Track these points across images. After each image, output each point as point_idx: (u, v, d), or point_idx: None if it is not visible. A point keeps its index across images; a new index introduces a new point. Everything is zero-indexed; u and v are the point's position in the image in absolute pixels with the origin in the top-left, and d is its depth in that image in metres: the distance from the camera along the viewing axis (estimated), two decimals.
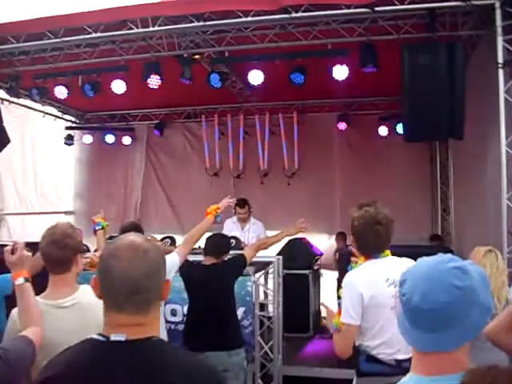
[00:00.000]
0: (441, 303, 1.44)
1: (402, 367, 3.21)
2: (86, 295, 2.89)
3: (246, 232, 8.05)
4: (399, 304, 1.57)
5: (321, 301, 8.68)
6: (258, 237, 8.04)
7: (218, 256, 4.94)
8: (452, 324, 1.45)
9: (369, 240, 3.33)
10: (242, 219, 8.15)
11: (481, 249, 4.30)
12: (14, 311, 2.87)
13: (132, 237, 1.82)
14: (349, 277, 3.32)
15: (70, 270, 3.02)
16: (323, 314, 8.50)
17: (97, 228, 4.89)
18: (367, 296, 3.18)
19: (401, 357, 3.22)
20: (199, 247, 6.27)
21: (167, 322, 6.43)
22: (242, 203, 8.13)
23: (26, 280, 2.70)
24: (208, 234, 5.03)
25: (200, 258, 5.15)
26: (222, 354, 4.62)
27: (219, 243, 5.01)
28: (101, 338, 1.71)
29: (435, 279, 1.48)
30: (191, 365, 1.76)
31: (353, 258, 3.53)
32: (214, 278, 4.81)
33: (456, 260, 1.54)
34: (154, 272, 1.74)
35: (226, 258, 5.09)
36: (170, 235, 8.20)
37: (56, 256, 2.94)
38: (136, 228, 4.34)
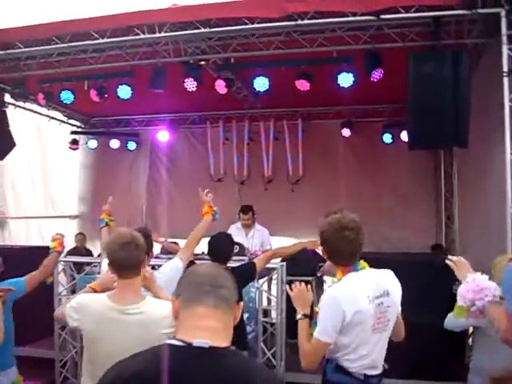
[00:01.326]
0: None
1: (368, 382, 3.20)
2: (151, 306, 2.99)
3: (250, 238, 8.06)
4: None
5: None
6: (261, 243, 8.05)
7: (224, 261, 4.94)
8: None
9: (339, 247, 3.21)
10: (246, 225, 8.16)
11: (504, 258, 4.30)
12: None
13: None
14: (331, 292, 3.19)
15: (139, 273, 3.08)
16: None
17: (101, 225, 4.86)
18: (350, 314, 3.07)
19: (370, 372, 3.20)
20: (202, 253, 6.29)
21: None
22: (246, 210, 8.15)
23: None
24: (210, 237, 5.03)
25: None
26: None
27: (223, 249, 4.99)
28: (180, 343, 1.73)
29: None
30: (268, 372, 1.85)
31: (325, 277, 3.41)
32: None
33: None
34: (232, 281, 1.94)
35: (235, 265, 5.08)
36: (174, 241, 8.18)
37: (128, 258, 3.01)
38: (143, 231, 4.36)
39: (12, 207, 10.97)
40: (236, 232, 8.09)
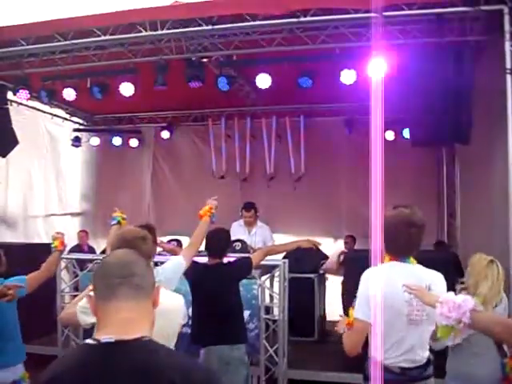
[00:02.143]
0: None
1: (406, 375, 3.20)
2: (167, 297, 3.00)
3: (253, 236, 8.06)
4: None
5: (326, 305, 8.70)
6: (264, 240, 8.04)
7: (220, 256, 4.99)
8: None
9: (400, 241, 3.25)
10: (248, 223, 8.16)
11: (483, 257, 4.32)
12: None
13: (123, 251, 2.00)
14: (367, 273, 3.26)
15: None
16: (328, 317, 8.53)
17: (112, 223, 4.88)
18: (379, 295, 3.09)
19: (407, 365, 3.19)
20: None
21: None
22: (248, 207, 8.14)
23: None
24: (210, 232, 5.06)
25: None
26: (224, 348, 4.73)
27: (219, 243, 5.02)
28: (92, 342, 1.73)
29: None
30: (187, 364, 1.78)
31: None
32: (218, 278, 4.87)
33: None
34: (145, 265, 1.87)
35: (231, 259, 5.13)
36: (177, 238, 8.21)
37: (146, 251, 3.10)
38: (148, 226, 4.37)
39: (16, 205, 10.96)
40: (238, 229, 8.09)
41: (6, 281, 4.23)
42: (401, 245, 3.27)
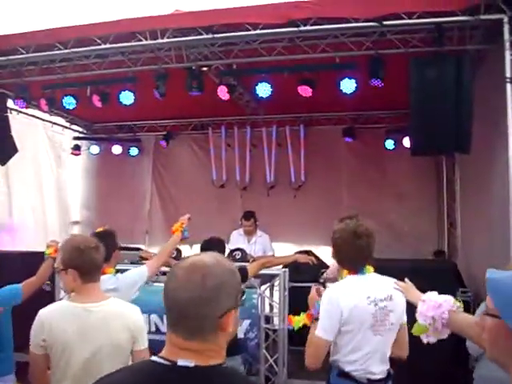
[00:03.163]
0: None
1: None
2: (113, 305, 3.11)
3: (252, 244, 8.05)
4: None
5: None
6: (264, 249, 8.03)
7: None
8: None
9: (350, 253, 3.30)
10: (247, 232, 8.14)
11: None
12: (41, 312, 3.06)
13: (201, 256, 1.75)
14: (330, 291, 3.29)
15: (101, 275, 3.27)
16: None
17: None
18: (346, 312, 3.15)
19: (374, 377, 3.22)
20: None
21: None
22: (248, 216, 8.14)
23: None
24: (204, 241, 5.07)
25: None
26: None
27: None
28: (165, 362, 1.63)
29: None
30: None
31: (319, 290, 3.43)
32: None
33: None
34: (207, 299, 1.63)
35: None
36: (176, 246, 8.15)
37: (96, 260, 3.16)
38: (110, 235, 4.37)
39: (16, 213, 10.95)
40: (238, 238, 8.08)
41: (0, 290, 4.25)
42: (352, 257, 3.32)
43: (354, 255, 3.29)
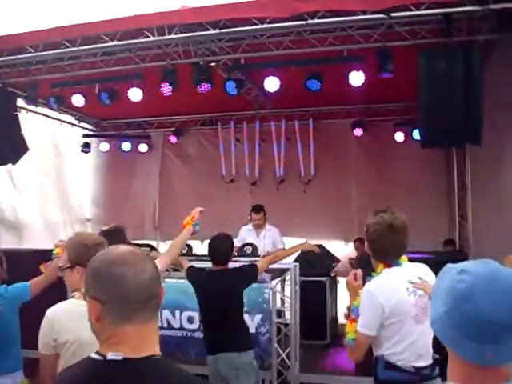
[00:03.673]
0: None
1: (420, 374, 3.23)
2: None
3: (262, 239, 8.04)
4: (458, 321, 1.43)
5: (338, 308, 8.66)
6: (273, 243, 8.03)
7: (224, 262, 4.98)
8: None
9: (386, 247, 3.29)
10: (257, 226, 8.13)
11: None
12: (49, 311, 3.02)
13: (123, 246, 1.80)
14: (369, 286, 3.28)
15: None
16: (340, 321, 8.49)
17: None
18: (388, 307, 3.16)
19: (420, 364, 3.22)
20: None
21: (184, 329, 6.45)
22: (257, 209, 8.14)
23: None
24: (212, 238, 5.07)
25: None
26: (233, 355, 4.75)
27: (222, 249, 5.00)
28: (98, 357, 1.64)
29: (508, 288, 1.41)
30: None
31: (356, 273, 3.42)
32: (222, 285, 4.85)
33: (499, 266, 1.49)
34: (158, 276, 1.74)
35: (237, 265, 5.12)
36: (186, 242, 8.15)
37: None
38: (118, 231, 4.39)
39: (26, 211, 11.00)
40: (247, 233, 8.09)
41: (9, 288, 4.29)
42: (388, 251, 3.31)
43: (391, 249, 3.29)
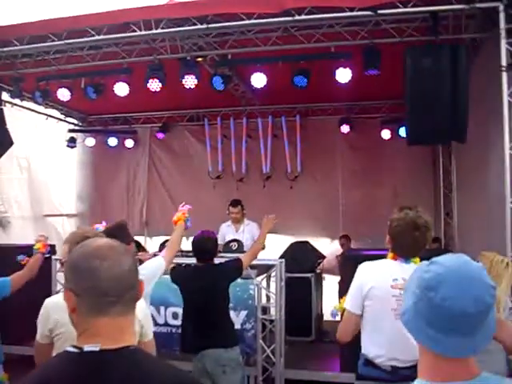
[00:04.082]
0: (487, 305, 1.41)
1: (398, 374, 3.21)
2: None
3: (241, 233, 8.04)
4: (424, 310, 1.46)
5: (323, 304, 8.68)
6: (252, 238, 8.03)
7: (209, 258, 5.00)
8: (482, 327, 1.42)
9: (406, 243, 3.31)
10: (235, 220, 8.13)
11: (500, 259, 4.29)
12: (47, 301, 3.07)
13: (103, 239, 1.80)
14: (361, 266, 3.37)
15: None
16: (325, 317, 8.51)
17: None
18: (367, 286, 3.22)
19: (398, 364, 3.21)
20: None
21: (169, 325, 6.44)
22: (234, 203, 8.16)
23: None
24: (197, 235, 5.07)
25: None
26: (220, 351, 4.74)
27: (206, 247, 4.99)
28: (74, 350, 1.62)
29: (477, 280, 1.43)
30: (176, 376, 1.68)
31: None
32: (206, 280, 4.85)
33: (470, 259, 1.50)
34: (136, 269, 1.73)
35: (221, 261, 5.12)
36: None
37: None
38: (121, 228, 4.37)
39: (11, 206, 10.93)
40: (226, 229, 8.09)
41: None
42: (406, 247, 3.32)
43: (409, 245, 3.30)
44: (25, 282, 4.49)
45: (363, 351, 3.30)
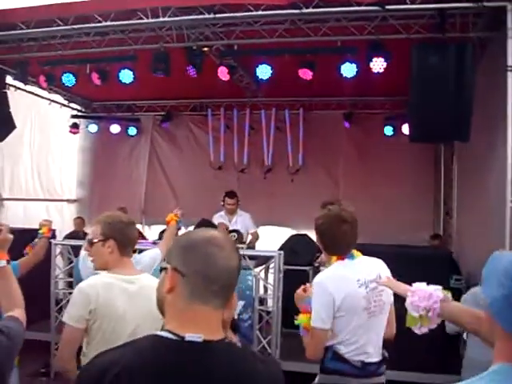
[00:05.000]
0: None
1: (366, 370, 3.21)
2: (148, 279, 3.19)
3: (234, 224, 8.07)
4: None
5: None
6: (245, 228, 8.07)
7: None
8: None
9: (335, 238, 3.27)
10: (230, 211, 8.16)
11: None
12: (85, 285, 3.05)
13: (214, 231, 1.83)
14: (318, 278, 3.24)
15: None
16: None
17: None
18: (338, 298, 3.11)
19: (368, 360, 3.21)
20: None
21: None
22: (231, 194, 8.19)
23: (8, 262, 2.71)
24: (197, 224, 5.13)
25: None
26: None
27: None
28: (173, 337, 1.59)
29: None
30: (272, 371, 1.71)
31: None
32: None
33: None
34: (240, 269, 1.76)
35: None
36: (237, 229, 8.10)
37: (135, 236, 3.31)
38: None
39: (9, 189, 10.95)
40: (220, 219, 8.11)
41: None
42: (339, 243, 3.28)
43: (340, 240, 3.26)
44: (32, 266, 4.51)
45: (331, 346, 3.24)
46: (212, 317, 1.65)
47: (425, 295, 2.64)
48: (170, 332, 1.60)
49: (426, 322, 2.66)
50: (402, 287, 2.90)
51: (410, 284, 2.81)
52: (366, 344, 3.20)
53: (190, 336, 1.58)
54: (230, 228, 7.80)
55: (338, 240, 3.26)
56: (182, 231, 6.50)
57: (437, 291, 2.65)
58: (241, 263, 1.77)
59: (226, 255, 1.67)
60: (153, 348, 1.60)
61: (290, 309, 7.03)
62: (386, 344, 3.37)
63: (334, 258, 3.31)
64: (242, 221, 8.16)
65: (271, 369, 1.72)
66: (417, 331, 2.70)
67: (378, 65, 6.59)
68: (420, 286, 2.73)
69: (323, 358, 3.29)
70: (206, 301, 1.63)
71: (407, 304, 2.71)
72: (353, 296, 3.14)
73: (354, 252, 3.33)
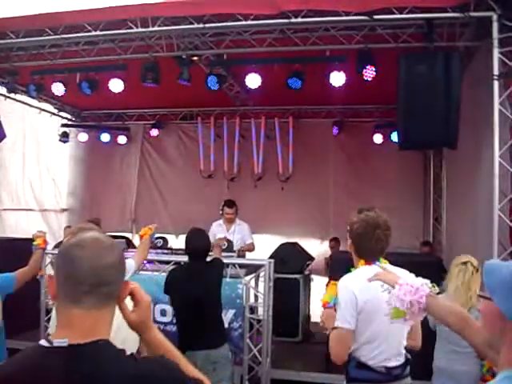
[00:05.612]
0: None
1: (391, 374, 3.23)
2: None
3: (232, 233, 8.06)
4: None
5: (311, 306, 8.71)
6: (243, 238, 8.07)
7: (204, 256, 5.06)
8: None
9: (369, 243, 3.32)
10: (228, 220, 8.15)
11: (460, 258, 4.54)
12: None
13: (95, 232, 1.82)
14: (344, 280, 3.28)
15: None
16: (313, 318, 8.54)
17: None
18: (361, 300, 3.15)
19: (391, 364, 3.22)
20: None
21: (156, 322, 6.45)
22: (230, 203, 8.18)
23: None
24: (190, 233, 5.12)
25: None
26: (212, 350, 4.80)
27: (201, 243, 5.04)
28: (46, 344, 1.63)
29: None
30: (143, 373, 1.64)
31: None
32: (200, 279, 4.90)
33: None
34: (120, 265, 1.73)
35: (210, 259, 5.22)
36: (163, 236, 8.11)
37: None
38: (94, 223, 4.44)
39: (2, 199, 10.92)
40: (218, 229, 8.10)
41: None
42: (370, 247, 3.33)
43: (373, 246, 3.32)
44: (28, 278, 4.48)
45: (354, 354, 3.26)
46: (86, 319, 1.64)
47: (411, 289, 2.65)
48: (46, 340, 1.64)
49: (402, 315, 2.67)
50: (390, 278, 2.91)
51: None
52: (386, 350, 3.20)
53: (57, 342, 1.61)
54: (228, 237, 7.80)
55: (371, 245, 3.32)
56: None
57: (424, 286, 2.66)
58: (119, 257, 1.73)
59: (91, 254, 1.66)
60: (29, 356, 1.65)
61: (280, 317, 7.10)
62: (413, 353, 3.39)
63: (362, 261, 3.36)
64: (240, 230, 8.15)
65: (148, 369, 1.66)
66: (401, 324, 2.72)
67: (369, 73, 6.64)
68: (408, 280, 2.74)
69: (347, 368, 3.30)
70: (78, 302, 1.64)
71: (393, 296, 2.72)
72: (376, 299, 3.12)
73: (382, 260, 3.37)
